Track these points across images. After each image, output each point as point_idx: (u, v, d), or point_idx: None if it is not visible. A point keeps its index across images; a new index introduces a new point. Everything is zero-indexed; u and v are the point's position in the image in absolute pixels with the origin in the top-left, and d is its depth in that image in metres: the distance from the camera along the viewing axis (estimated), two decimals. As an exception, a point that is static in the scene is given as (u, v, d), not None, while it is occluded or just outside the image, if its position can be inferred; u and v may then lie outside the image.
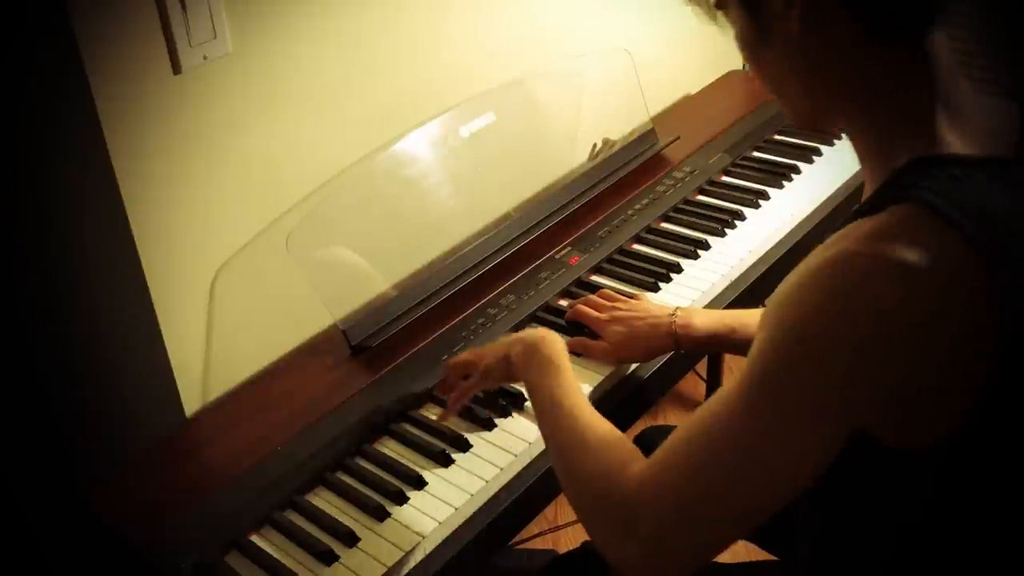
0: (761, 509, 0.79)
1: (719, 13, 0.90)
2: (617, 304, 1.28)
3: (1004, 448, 0.78)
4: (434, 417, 1.18)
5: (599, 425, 0.94)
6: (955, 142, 0.79)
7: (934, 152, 0.79)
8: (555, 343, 1.06)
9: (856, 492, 0.87)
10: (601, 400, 1.20)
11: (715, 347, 1.24)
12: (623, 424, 1.13)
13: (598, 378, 1.21)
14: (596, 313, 1.27)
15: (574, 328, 1.29)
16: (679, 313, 1.21)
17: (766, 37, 0.84)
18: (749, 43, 0.87)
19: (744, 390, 0.79)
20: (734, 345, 1.20)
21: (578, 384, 1.01)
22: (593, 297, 1.32)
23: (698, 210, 1.56)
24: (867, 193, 0.86)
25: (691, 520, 0.80)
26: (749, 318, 1.20)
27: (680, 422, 0.86)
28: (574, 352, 1.23)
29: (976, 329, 0.74)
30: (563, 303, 1.37)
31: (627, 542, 0.83)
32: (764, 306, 0.91)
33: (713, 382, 2.25)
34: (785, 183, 1.63)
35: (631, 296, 1.31)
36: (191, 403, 1.26)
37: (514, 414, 1.17)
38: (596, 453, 0.90)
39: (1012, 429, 0.77)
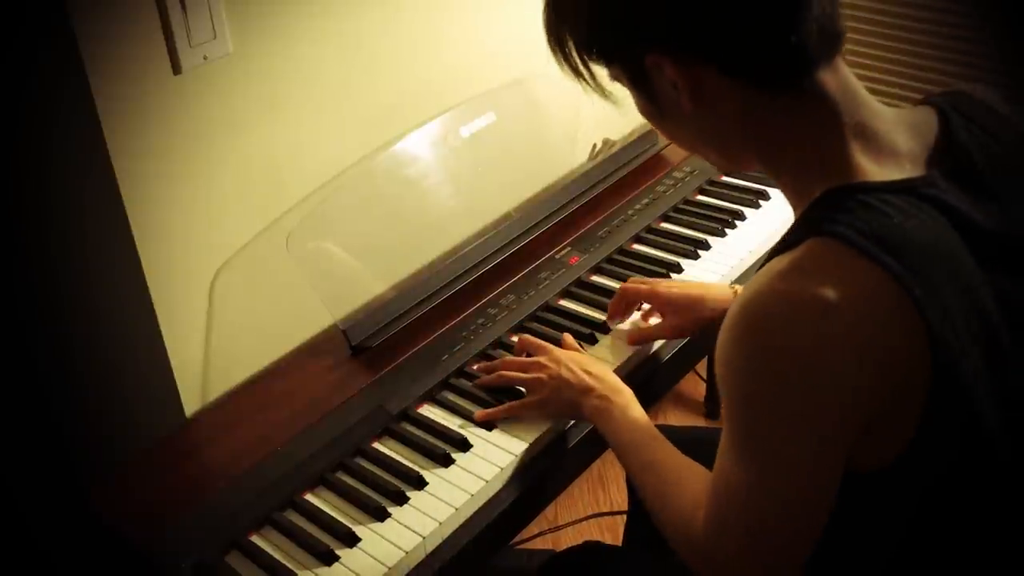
0: (817, 525, 0.81)
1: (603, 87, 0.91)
2: (670, 281, 1.32)
3: (951, 462, 0.80)
4: (434, 417, 1.18)
5: (674, 475, 0.99)
6: (870, 168, 0.80)
7: (848, 181, 0.79)
8: (626, 393, 1.10)
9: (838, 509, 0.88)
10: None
11: None
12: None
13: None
14: (648, 284, 1.28)
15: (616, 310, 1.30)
16: (739, 287, 1.24)
17: (664, 112, 0.86)
18: (651, 116, 0.89)
19: (735, 445, 0.82)
20: None
21: (655, 431, 1.05)
22: (636, 278, 1.33)
23: (698, 210, 1.56)
24: (793, 220, 0.86)
25: (754, 557, 0.84)
26: None
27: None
28: (636, 341, 1.25)
29: (907, 352, 0.74)
30: (563, 303, 1.37)
31: (714, 572, 0.89)
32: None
33: (713, 382, 2.25)
34: (785, 183, 1.63)
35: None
36: (191, 403, 1.26)
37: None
38: (673, 502, 0.96)
39: (955, 443, 0.78)
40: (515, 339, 1.29)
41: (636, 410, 1.08)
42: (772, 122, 0.82)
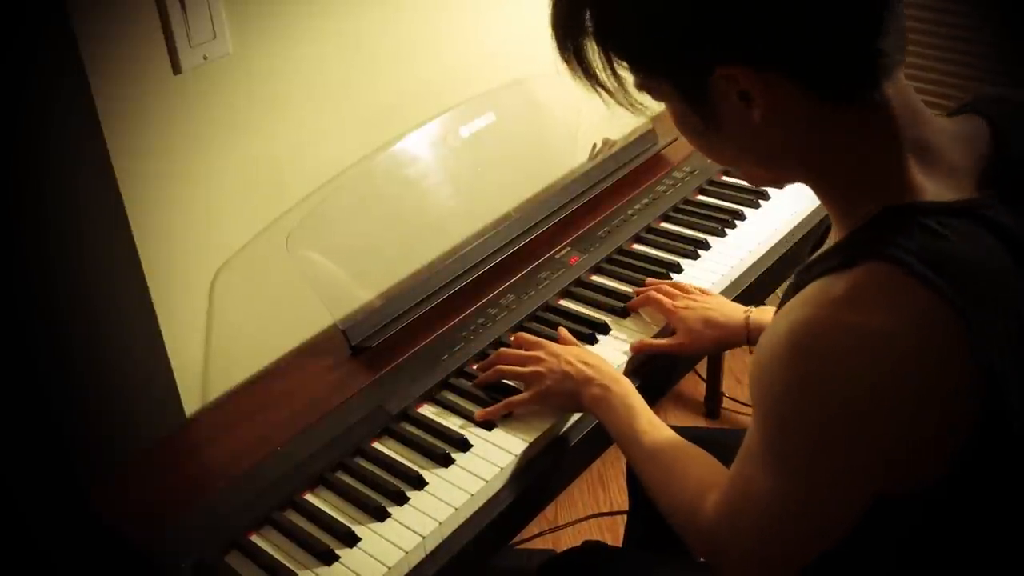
0: (833, 532, 0.82)
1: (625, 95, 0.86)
2: (692, 296, 1.30)
3: (990, 490, 0.79)
4: (434, 417, 1.18)
5: (677, 459, 1.00)
6: (928, 186, 0.78)
7: (906, 200, 0.78)
8: (625, 383, 1.11)
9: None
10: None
11: None
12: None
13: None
14: (670, 301, 1.28)
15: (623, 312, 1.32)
16: (752, 310, 1.24)
17: (714, 126, 0.82)
18: (692, 129, 0.85)
19: (765, 455, 0.82)
20: None
21: (655, 418, 1.06)
22: (666, 286, 1.33)
23: (698, 210, 1.56)
24: (836, 233, 0.85)
25: (765, 553, 0.85)
26: None
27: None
28: (640, 351, 1.25)
29: (957, 383, 0.74)
30: (563, 303, 1.37)
31: (717, 563, 0.91)
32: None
33: (713, 382, 2.25)
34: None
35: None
36: (191, 403, 1.26)
37: (514, 414, 1.16)
38: (678, 487, 0.97)
39: (996, 473, 0.78)
40: (513, 339, 1.29)
41: (636, 398, 1.08)
42: (833, 136, 0.80)
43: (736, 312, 1.25)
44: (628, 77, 0.83)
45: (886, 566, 0.88)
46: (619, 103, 0.86)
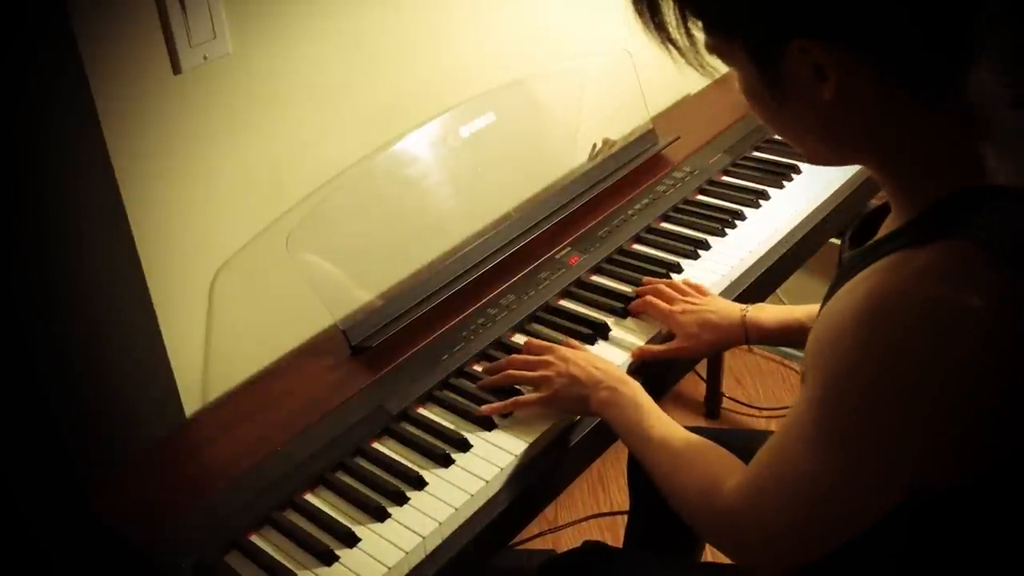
0: (858, 526, 0.81)
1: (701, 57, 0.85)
2: (689, 298, 1.30)
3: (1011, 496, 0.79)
4: (434, 417, 1.18)
5: (688, 448, 0.99)
6: (1002, 171, 0.77)
7: (982, 182, 0.77)
8: (632, 383, 1.10)
9: None
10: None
11: (785, 340, 1.25)
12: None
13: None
14: (667, 306, 1.28)
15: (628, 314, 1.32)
16: (750, 308, 1.24)
17: (783, 98, 0.80)
18: (760, 100, 0.83)
19: (817, 434, 0.80)
20: (804, 338, 1.21)
21: (664, 415, 1.06)
22: (663, 287, 1.32)
23: (698, 210, 1.56)
24: (897, 218, 0.83)
25: (789, 536, 0.84)
26: (816, 311, 1.21)
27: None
28: (640, 358, 1.25)
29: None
30: (563, 303, 1.37)
31: (735, 547, 0.90)
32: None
33: (713, 382, 2.25)
34: (785, 183, 1.63)
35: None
36: (191, 403, 1.26)
37: (514, 414, 1.16)
38: (690, 475, 0.96)
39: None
40: (515, 339, 1.29)
41: (644, 397, 1.08)
42: (906, 119, 0.78)
43: (733, 312, 1.25)
44: (701, 37, 0.82)
45: (888, 567, 0.88)
46: (688, 62, 0.85)
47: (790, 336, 1.23)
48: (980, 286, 0.71)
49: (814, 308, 1.22)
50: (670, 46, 0.84)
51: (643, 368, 1.25)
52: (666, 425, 1.04)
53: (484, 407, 1.16)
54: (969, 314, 0.71)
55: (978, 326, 0.71)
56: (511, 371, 1.19)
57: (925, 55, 0.75)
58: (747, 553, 0.89)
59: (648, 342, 1.27)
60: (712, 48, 0.83)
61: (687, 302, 1.29)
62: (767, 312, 1.24)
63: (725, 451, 0.98)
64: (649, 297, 1.31)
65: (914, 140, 0.79)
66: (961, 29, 0.74)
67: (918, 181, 0.80)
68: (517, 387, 1.19)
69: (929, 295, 0.72)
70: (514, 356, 1.22)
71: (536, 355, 1.19)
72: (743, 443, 1.07)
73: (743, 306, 1.26)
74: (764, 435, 1.56)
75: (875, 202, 0.98)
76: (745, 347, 2.47)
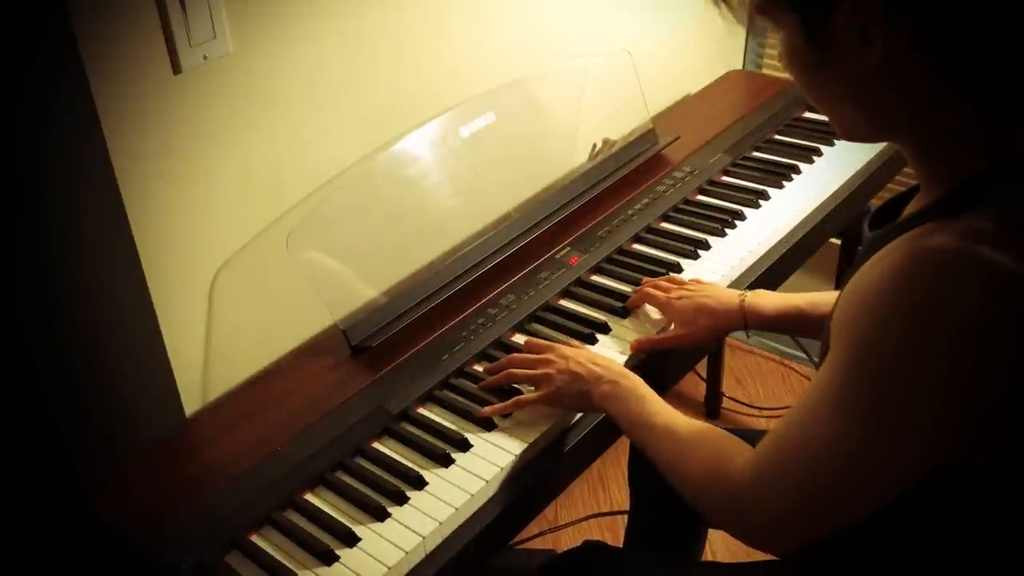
0: (871, 502, 0.81)
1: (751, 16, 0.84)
2: (685, 285, 1.30)
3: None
4: (434, 417, 1.18)
5: (695, 429, 0.99)
6: None
7: (1016, 162, 0.76)
8: (634, 377, 1.10)
9: None
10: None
11: (783, 327, 1.25)
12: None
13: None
14: (663, 295, 1.28)
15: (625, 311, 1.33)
16: (748, 294, 1.24)
17: (825, 62, 0.79)
18: (800, 63, 0.82)
19: (840, 405, 0.78)
20: (803, 325, 1.21)
21: (666, 404, 1.05)
22: (660, 280, 1.33)
23: (698, 210, 1.56)
24: (926, 197, 0.83)
25: (801, 513, 0.83)
26: (818, 299, 1.21)
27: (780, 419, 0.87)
28: (642, 350, 1.25)
29: None
30: (563, 303, 1.37)
31: (743, 527, 0.89)
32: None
33: (713, 382, 2.25)
34: (785, 183, 1.63)
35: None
36: (191, 403, 1.26)
37: (514, 414, 1.16)
38: (697, 457, 0.95)
39: None
40: (515, 339, 1.29)
41: (646, 388, 1.08)
42: (949, 91, 0.77)
43: (731, 297, 1.25)
44: None
45: (900, 548, 0.87)
46: (736, 19, 0.85)
47: (789, 323, 1.22)
48: (1016, 250, 0.70)
49: (815, 296, 1.22)
50: (721, 2, 0.84)
51: (641, 365, 1.25)
52: (669, 413, 1.04)
53: (485, 409, 1.16)
54: (1004, 276, 0.70)
55: (1013, 289, 0.70)
56: (512, 370, 1.18)
57: (983, 24, 0.73)
58: (758, 532, 0.88)
59: None
60: (761, 8, 0.82)
61: (684, 289, 1.29)
62: (766, 297, 1.24)
63: (729, 434, 0.97)
64: (647, 288, 1.31)
65: (952, 115, 0.78)
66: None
67: (953, 158, 0.79)
68: (517, 387, 1.19)
69: (965, 254, 0.71)
70: (514, 355, 1.21)
71: (536, 354, 1.19)
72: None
73: (741, 292, 1.26)
74: (764, 435, 1.56)
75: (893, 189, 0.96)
76: (746, 347, 2.47)
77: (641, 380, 1.10)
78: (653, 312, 1.31)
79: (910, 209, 0.86)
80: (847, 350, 0.78)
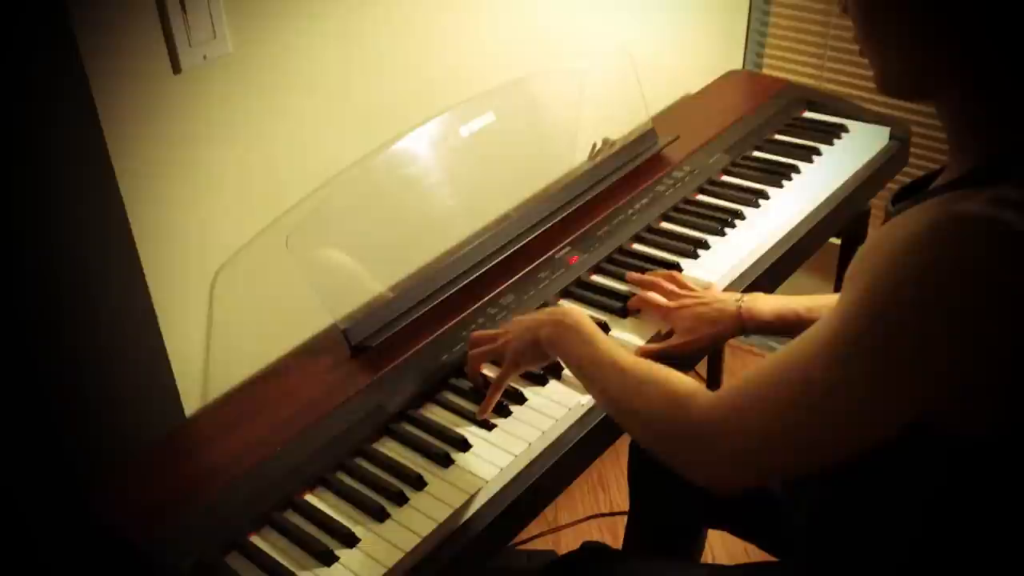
0: (841, 451, 0.80)
1: None
2: (685, 288, 1.31)
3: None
4: (434, 417, 1.18)
5: (648, 367, 0.97)
6: None
7: None
8: (578, 313, 1.10)
9: (865, 489, 0.87)
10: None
11: (781, 330, 1.24)
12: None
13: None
14: (665, 301, 1.29)
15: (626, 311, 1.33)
16: (745, 298, 1.25)
17: (890, 7, 0.79)
18: (861, 6, 0.81)
19: (839, 340, 0.78)
20: (801, 328, 1.21)
21: (613, 341, 1.05)
22: (660, 281, 1.33)
23: (698, 210, 1.56)
24: (953, 171, 0.82)
25: (771, 447, 0.82)
26: (816, 302, 1.22)
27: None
28: (649, 355, 1.24)
29: None
30: (563, 303, 1.37)
31: (701, 461, 0.87)
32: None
33: (713, 382, 2.25)
34: (785, 183, 1.63)
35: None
36: (191, 403, 1.26)
37: (514, 414, 1.16)
38: (656, 390, 0.93)
39: None
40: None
41: (589, 323, 1.08)
42: (1004, 67, 0.77)
43: (728, 304, 1.25)
44: None
45: (911, 529, 0.86)
46: None
47: (788, 326, 1.22)
48: None
49: (812, 299, 1.22)
50: None
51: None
52: (618, 351, 1.02)
53: (481, 409, 1.16)
54: None
55: None
56: (472, 351, 1.20)
57: None
58: (717, 467, 0.86)
59: (648, 341, 1.28)
60: None
61: (685, 296, 1.29)
62: (763, 302, 1.24)
63: (681, 374, 0.95)
64: (649, 295, 1.31)
65: (1004, 78, 0.77)
66: None
67: (992, 127, 0.79)
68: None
69: (991, 219, 0.71)
70: (474, 334, 1.23)
71: (480, 359, 1.21)
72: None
73: (738, 296, 1.26)
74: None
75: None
76: (745, 347, 2.47)
77: (587, 317, 1.09)
78: (653, 313, 1.31)
79: (935, 186, 0.86)
80: (859, 294, 0.77)
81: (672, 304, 1.28)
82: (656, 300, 1.30)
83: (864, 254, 0.80)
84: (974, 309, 0.71)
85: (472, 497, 1.06)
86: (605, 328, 1.30)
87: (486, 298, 1.36)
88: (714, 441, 0.85)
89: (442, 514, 1.04)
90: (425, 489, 1.07)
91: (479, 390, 1.20)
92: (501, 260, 1.42)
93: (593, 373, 1.03)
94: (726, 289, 1.40)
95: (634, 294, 1.34)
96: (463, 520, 1.06)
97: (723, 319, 1.24)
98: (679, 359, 1.29)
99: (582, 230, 1.51)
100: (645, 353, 1.25)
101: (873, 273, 0.76)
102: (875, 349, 0.75)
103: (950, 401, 0.76)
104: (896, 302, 0.74)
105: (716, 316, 1.25)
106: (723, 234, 1.49)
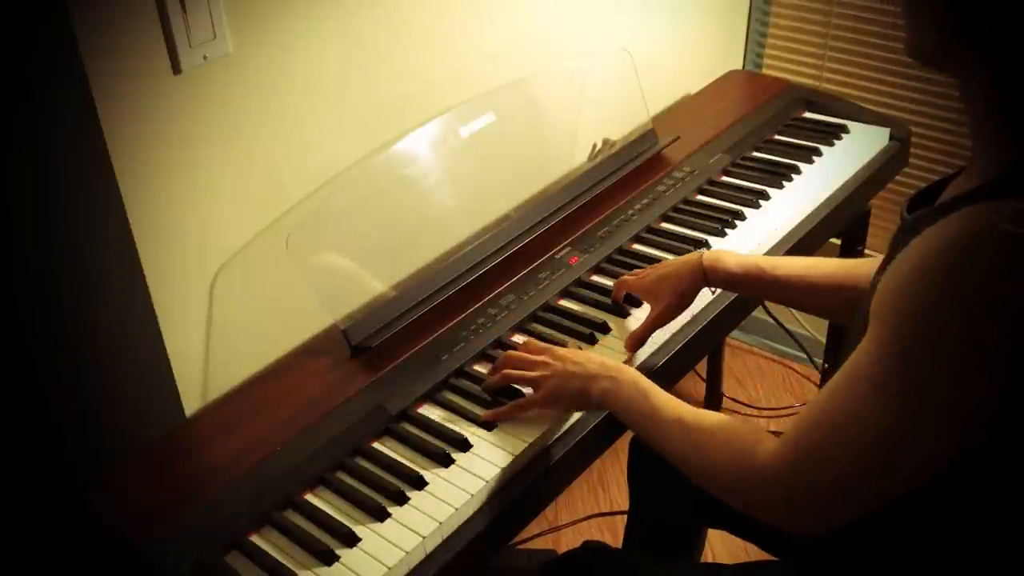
0: (909, 481, 0.80)
1: None
2: (645, 268, 1.33)
3: None
4: (434, 417, 1.18)
5: (710, 419, 0.98)
6: None
7: None
8: (631, 371, 1.10)
9: None
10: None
11: (748, 287, 1.24)
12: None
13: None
14: (633, 277, 1.31)
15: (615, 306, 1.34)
16: (706, 251, 1.25)
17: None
18: None
19: (883, 376, 0.77)
20: (767, 286, 1.21)
21: (670, 395, 1.05)
22: (627, 276, 1.35)
23: (698, 210, 1.56)
24: (974, 175, 0.82)
25: (840, 493, 0.82)
26: (780, 261, 1.22)
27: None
28: (631, 348, 1.25)
29: None
30: (563, 303, 1.37)
31: (771, 512, 0.88)
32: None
33: (713, 382, 2.25)
34: (785, 183, 1.63)
35: None
36: (191, 403, 1.26)
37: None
38: (718, 446, 0.94)
39: None
40: (515, 339, 1.29)
41: (645, 380, 1.07)
42: None
43: (689, 257, 1.26)
44: None
45: (911, 529, 0.87)
46: None
47: (752, 281, 1.22)
48: None
49: (777, 258, 1.22)
50: None
51: (643, 365, 1.25)
52: (676, 404, 1.03)
53: (487, 412, 1.15)
54: None
55: None
56: (508, 371, 1.18)
57: None
58: (798, 516, 0.86)
59: None
60: None
61: (644, 271, 1.32)
62: (727, 255, 1.24)
63: (744, 419, 0.96)
64: (620, 279, 1.34)
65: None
66: None
67: (1013, 140, 0.78)
68: (517, 386, 1.19)
69: (1014, 236, 0.70)
70: (510, 353, 1.20)
71: (533, 355, 1.18)
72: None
73: (701, 251, 1.27)
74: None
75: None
76: (746, 347, 2.47)
77: (639, 374, 1.09)
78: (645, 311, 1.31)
79: (951, 192, 0.85)
80: (891, 329, 0.77)
81: (628, 275, 1.30)
82: (623, 279, 1.32)
83: (888, 282, 0.78)
84: (1007, 330, 0.71)
85: (472, 497, 1.06)
86: (605, 328, 1.30)
87: (486, 298, 1.36)
88: (785, 490, 0.85)
89: (442, 514, 1.04)
90: (425, 489, 1.07)
91: (489, 390, 1.19)
92: (501, 260, 1.42)
93: (654, 430, 1.03)
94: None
95: (635, 296, 1.34)
96: (463, 520, 1.06)
97: (684, 272, 1.24)
98: (677, 353, 1.30)
99: (582, 230, 1.51)
100: (629, 344, 1.25)
101: (901, 304, 0.75)
102: (918, 386, 0.75)
103: (1000, 422, 0.76)
104: (928, 335, 0.74)
105: (677, 270, 1.25)
106: (723, 235, 1.49)
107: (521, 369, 1.17)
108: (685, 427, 0.99)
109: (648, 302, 1.28)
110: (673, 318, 1.26)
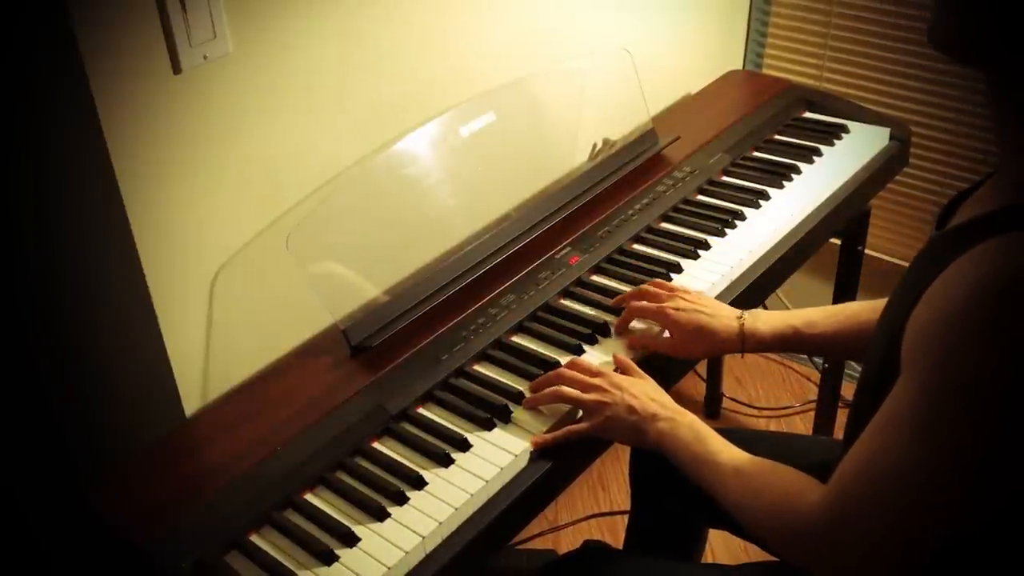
0: (958, 529, 0.79)
1: None
2: (679, 294, 1.27)
3: None
4: (434, 417, 1.18)
5: (761, 466, 0.98)
6: None
7: None
8: (689, 414, 1.09)
9: None
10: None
11: (780, 348, 1.24)
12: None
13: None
14: (656, 305, 1.26)
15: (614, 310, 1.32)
16: (747, 316, 1.23)
17: None
18: None
19: (915, 422, 0.76)
20: (800, 345, 1.21)
21: (725, 440, 1.05)
22: (646, 288, 1.30)
23: (698, 210, 1.56)
24: (1000, 189, 0.80)
25: (888, 546, 0.80)
26: (815, 316, 1.21)
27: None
28: (632, 348, 1.24)
29: None
30: (563, 303, 1.37)
31: (819, 562, 0.86)
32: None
33: (713, 382, 2.25)
34: (785, 183, 1.63)
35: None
36: (191, 403, 1.26)
37: (514, 415, 1.16)
38: (769, 491, 0.94)
39: None
40: (515, 339, 1.29)
41: (702, 425, 1.07)
42: None
43: (730, 320, 1.23)
44: None
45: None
46: None
47: (786, 345, 1.22)
48: None
49: (811, 314, 1.21)
50: None
51: (642, 365, 1.24)
52: (732, 451, 1.03)
53: (536, 438, 1.12)
54: None
55: None
56: (562, 389, 1.14)
57: None
58: (842, 566, 0.84)
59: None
60: None
61: (677, 296, 1.27)
62: (763, 321, 1.22)
63: (795, 470, 0.95)
64: (633, 304, 1.28)
65: None
66: None
67: None
68: (516, 388, 1.19)
69: None
70: (563, 371, 1.17)
71: (588, 376, 1.15)
72: (744, 442, 1.07)
73: (739, 313, 1.24)
74: (764, 434, 1.56)
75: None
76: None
77: (695, 416, 1.09)
78: (642, 324, 1.30)
79: (977, 202, 0.83)
80: (927, 372, 0.75)
81: (667, 304, 1.25)
82: (643, 307, 1.26)
83: (921, 321, 0.77)
84: None
85: (472, 497, 1.06)
86: (605, 328, 1.30)
87: (486, 298, 1.36)
88: (835, 548, 0.84)
89: (442, 514, 1.04)
90: (425, 489, 1.07)
91: (531, 406, 1.17)
92: (501, 260, 1.42)
93: (707, 474, 1.02)
94: (726, 290, 1.40)
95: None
96: (463, 520, 1.06)
97: (725, 335, 1.22)
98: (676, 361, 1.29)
99: (582, 230, 1.51)
100: (638, 345, 1.24)
101: (936, 346, 0.74)
102: (960, 433, 0.74)
103: None
104: (967, 379, 0.72)
105: (717, 329, 1.22)
106: (723, 234, 1.49)
107: (576, 387, 1.14)
108: (738, 473, 0.99)
109: (675, 335, 1.24)
110: (692, 362, 1.25)
